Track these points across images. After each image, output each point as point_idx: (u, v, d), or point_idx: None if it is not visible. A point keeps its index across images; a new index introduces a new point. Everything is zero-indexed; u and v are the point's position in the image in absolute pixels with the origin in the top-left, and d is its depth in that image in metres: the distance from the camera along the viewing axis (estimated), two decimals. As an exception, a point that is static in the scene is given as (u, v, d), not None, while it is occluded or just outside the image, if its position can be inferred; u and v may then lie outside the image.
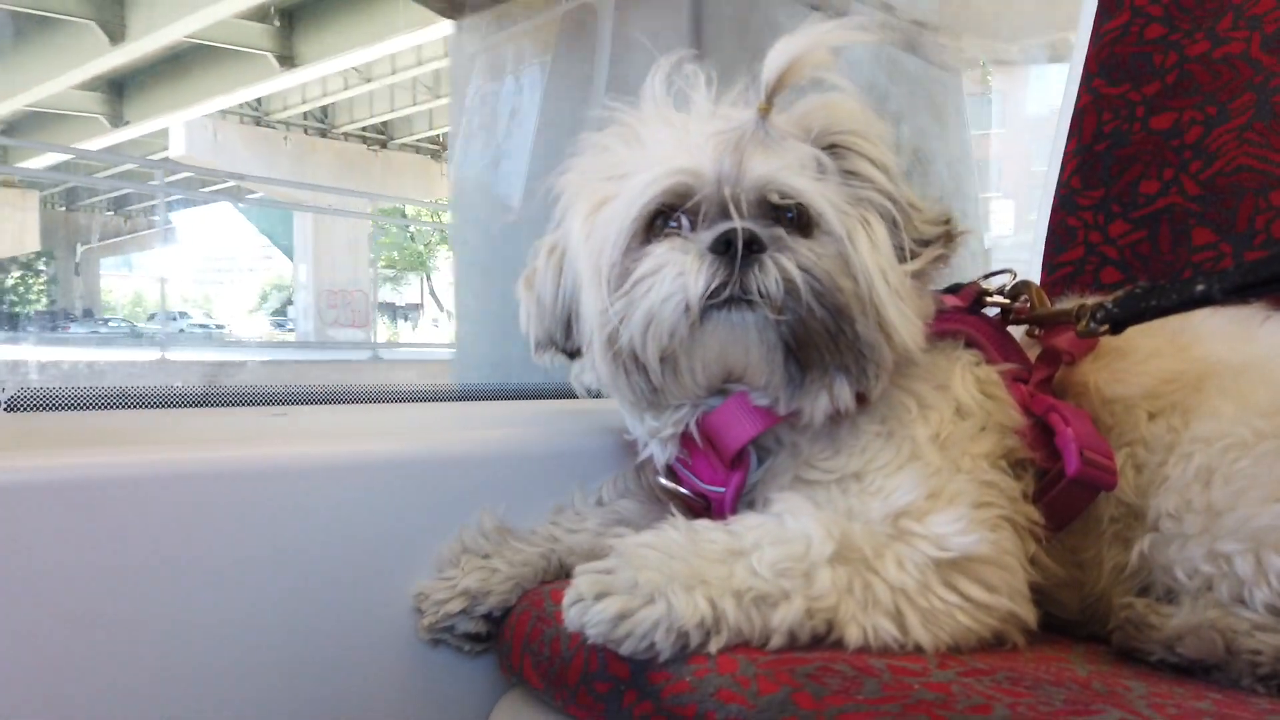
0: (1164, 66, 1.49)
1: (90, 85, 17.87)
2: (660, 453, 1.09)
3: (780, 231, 0.93)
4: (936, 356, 1.04)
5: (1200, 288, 0.92)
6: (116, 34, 14.95)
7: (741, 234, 0.90)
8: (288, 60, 16.43)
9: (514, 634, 1.04)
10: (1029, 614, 0.93)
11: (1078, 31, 1.64)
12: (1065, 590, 1.04)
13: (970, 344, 1.08)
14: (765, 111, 0.96)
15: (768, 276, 0.91)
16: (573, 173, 1.07)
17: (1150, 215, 1.46)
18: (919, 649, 0.87)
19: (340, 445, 1.11)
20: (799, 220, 0.95)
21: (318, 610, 1.07)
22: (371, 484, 1.10)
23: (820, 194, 0.94)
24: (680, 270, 0.93)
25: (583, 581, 0.88)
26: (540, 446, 1.23)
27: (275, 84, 17.81)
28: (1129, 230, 1.48)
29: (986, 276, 1.18)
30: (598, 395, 1.09)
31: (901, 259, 0.97)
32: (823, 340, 0.93)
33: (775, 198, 0.94)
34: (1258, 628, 0.89)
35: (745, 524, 0.92)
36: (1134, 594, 1.01)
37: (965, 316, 1.10)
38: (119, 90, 19.04)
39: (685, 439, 1.05)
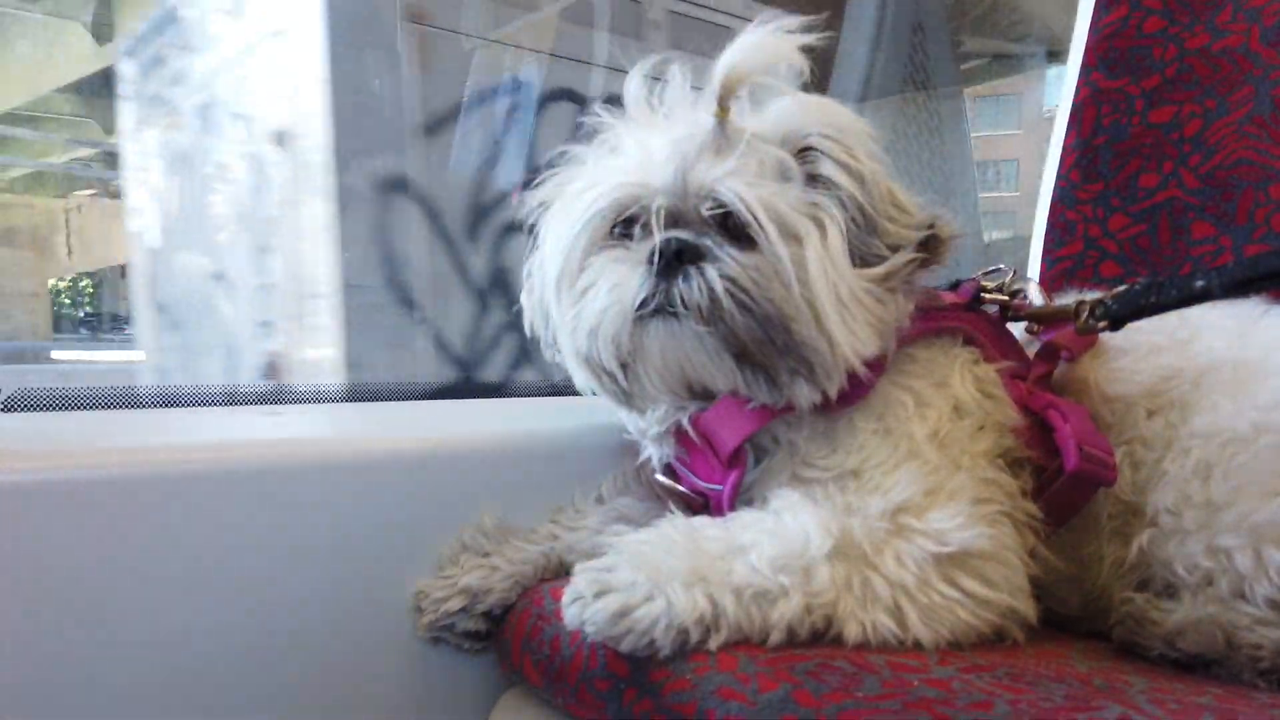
0: (1163, 60, 1.49)
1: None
2: (657, 451, 1.09)
3: (708, 242, 0.93)
4: (935, 354, 1.04)
5: (1200, 283, 0.92)
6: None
7: (667, 245, 0.92)
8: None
9: (514, 632, 1.04)
10: (1029, 609, 0.93)
11: (1075, 25, 1.64)
12: (1065, 586, 1.04)
13: (969, 341, 1.08)
14: (721, 116, 0.97)
15: (690, 288, 0.92)
16: (552, 184, 1.09)
17: (1150, 209, 1.46)
18: (919, 645, 0.87)
19: (337, 442, 1.10)
20: (733, 231, 0.95)
21: (317, 608, 1.06)
22: (370, 481, 1.09)
23: (758, 201, 0.92)
24: (615, 282, 0.96)
25: (582, 579, 0.88)
26: (540, 444, 1.23)
27: None
28: (1128, 224, 1.48)
29: (987, 273, 1.18)
30: (596, 392, 1.09)
31: (868, 263, 0.95)
32: (757, 348, 0.93)
33: (706, 207, 0.95)
34: (1258, 622, 0.89)
35: (743, 521, 0.92)
36: (1134, 589, 1.01)
37: (963, 313, 1.10)
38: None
39: (683, 437, 1.05)
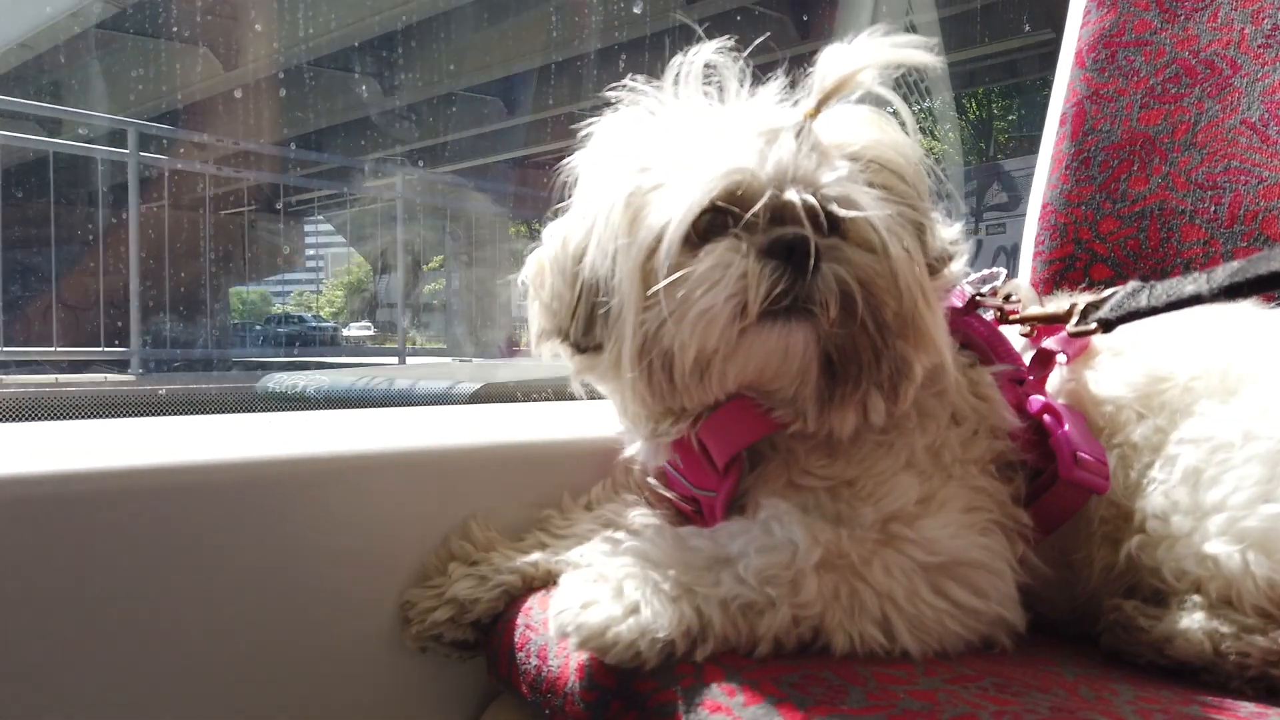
0: (1153, 62, 1.49)
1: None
2: (653, 456, 1.08)
3: (837, 241, 0.90)
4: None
5: (1190, 288, 0.92)
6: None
7: (801, 241, 0.88)
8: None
9: (502, 642, 1.03)
10: (1018, 618, 0.93)
11: (1066, 27, 1.63)
12: (1055, 591, 1.04)
13: (965, 346, 1.07)
14: (813, 116, 0.95)
15: (828, 286, 0.88)
16: (594, 157, 1.02)
17: (1140, 212, 1.46)
18: (906, 655, 0.87)
19: (326, 449, 1.10)
20: (839, 232, 0.92)
21: (304, 617, 1.06)
22: (357, 490, 1.09)
23: (874, 208, 0.91)
24: (741, 273, 0.89)
25: (569, 589, 0.88)
26: (529, 451, 1.23)
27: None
28: (1119, 227, 1.48)
29: (984, 279, 1.18)
30: (594, 396, 1.07)
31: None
32: (866, 355, 0.91)
33: (835, 208, 0.91)
34: (1245, 630, 0.89)
35: (730, 531, 0.92)
36: (1122, 595, 1.01)
37: (959, 318, 1.09)
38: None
39: (677, 443, 1.04)
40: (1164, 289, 0.96)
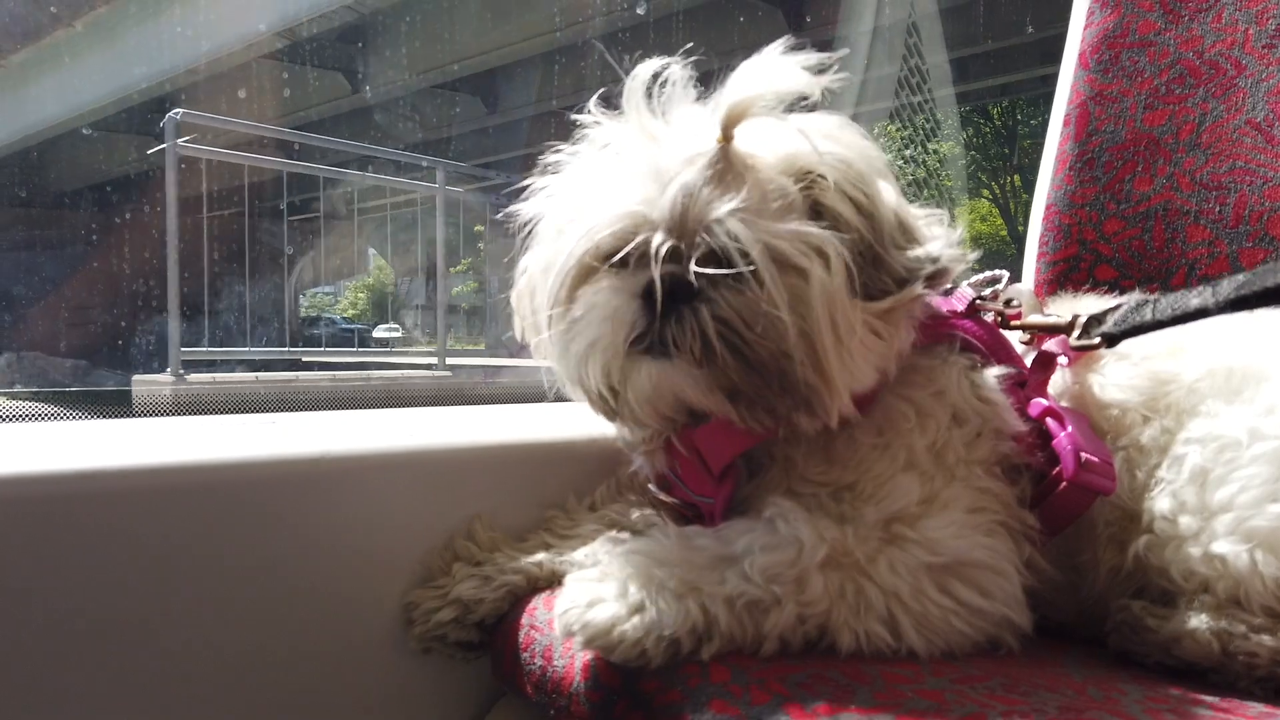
0: (1157, 63, 1.49)
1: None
2: (648, 463, 1.08)
3: (702, 282, 0.90)
4: (933, 362, 1.03)
5: (1195, 301, 0.91)
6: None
7: (661, 284, 0.89)
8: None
9: (506, 642, 1.03)
10: (1024, 619, 0.92)
11: (1069, 28, 1.63)
12: (1062, 593, 1.03)
13: (966, 348, 1.07)
14: (726, 144, 0.94)
15: (684, 330, 0.89)
16: (544, 195, 1.06)
17: (1144, 212, 1.46)
18: (912, 655, 0.87)
19: (330, 449, 1.10)
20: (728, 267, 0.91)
21: (308, 617, 1.06)
22: (362, 491, 1.09)
23: (755, 240, 0.89)
24: (606, 315, 0.93)
25: (574, 589, 0.88)
26: (533, 451, 1.23)
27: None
28: (1123, 227, 1.47)
29: (986, 281, 1.17)
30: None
31: (873, 297, 0.93)
32: (750, 388, 0.91)
33: (700, 249, 0.91)
34: (1254, 629, 0.88)
35: (736, 529, 0.92)
36: (1130, 596, 1.00)
37: (960, 321, 1.09)
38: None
39: (676, 449, 1.04)
40: (1168, 302, 0.95)
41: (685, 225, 0.92)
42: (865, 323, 0.93)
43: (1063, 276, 1.51)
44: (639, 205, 0.94)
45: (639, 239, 0.93)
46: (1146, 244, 1.45)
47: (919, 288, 0.94)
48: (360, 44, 16.42)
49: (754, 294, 0.89)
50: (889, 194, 0.96)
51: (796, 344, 0.89)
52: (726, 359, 0.89)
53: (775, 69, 0.94)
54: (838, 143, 0.96)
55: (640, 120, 0.99)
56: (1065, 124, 1.57)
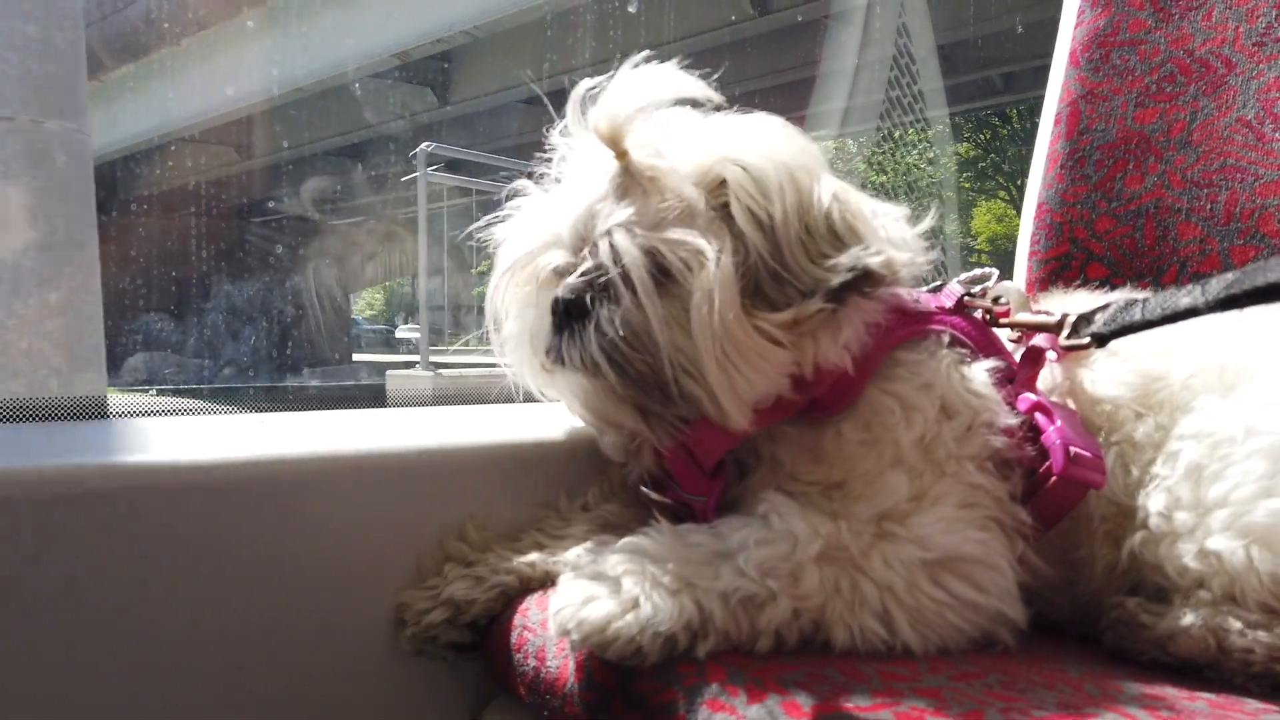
0: (1148, 61, 1.49)
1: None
2: (636, 465, 1.08)
3: (590, 298, 0.94)
4: (920, 356, 1.03)
5: (1185, 300, 0.91)
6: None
7: (556, 304, 0.96)
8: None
9: (499, 643, 1.02)
10: (1019, 614, 0.92)
11: (1060, 27, 1.63)
12: (1057, 590, 1.03)
13: (955, 343, 1.07)
14: (621, 159, 0.96)
15: (574, 346, 0.96)
16: (507, 224, 1.09)
17: (1136, 210, 1.46)
18: (907, 650, 0.86)
19: (320, 449, 1.08)
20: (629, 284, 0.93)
21: (300, 618, 1.05)
22: (353, 491, 1.08)
23: (634, 254, 0.91)
24: (524, 331, 1.04)
25: (568, 587, 0.87)
26: (525, 451, 1.22)
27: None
28: (1114, 225, 1.48)
29: (976, 279, 1.17)
30: None
31: (778, 307, 0.92)
32: (638, 400, 0.95)
33: (586, 262, 0.96)
34: (1250, 626, 0.88)
35: (730, 525, 0.91)
36: (1125, 593, 1.00)
37: (948, 317, 1.09)
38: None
39: (665, 449, 1.04)
40: (1157, 302, 0.95)
41: (582, 241, 0.97)
42: (762, 331, 0.92)
43: (1054, 275, 1.51)
44: (555, 224, 1.00)
45: (544, 257, 1.01)
46: (1138, 242, 1.45)
47: (817, 301, 0.91)
48: (446, 64, 17.58)
49: (636, 307, 0.92)
50: (815, 197, 0.94)
51: (672, 355, 0.92)
52: (609, 373, 0.94)
53: (640, 80, 0.96)
54: (760, 147, 0.96)
55: (578, 138, 1.02)
56: (1056, 122, 1.57)
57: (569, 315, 0.95)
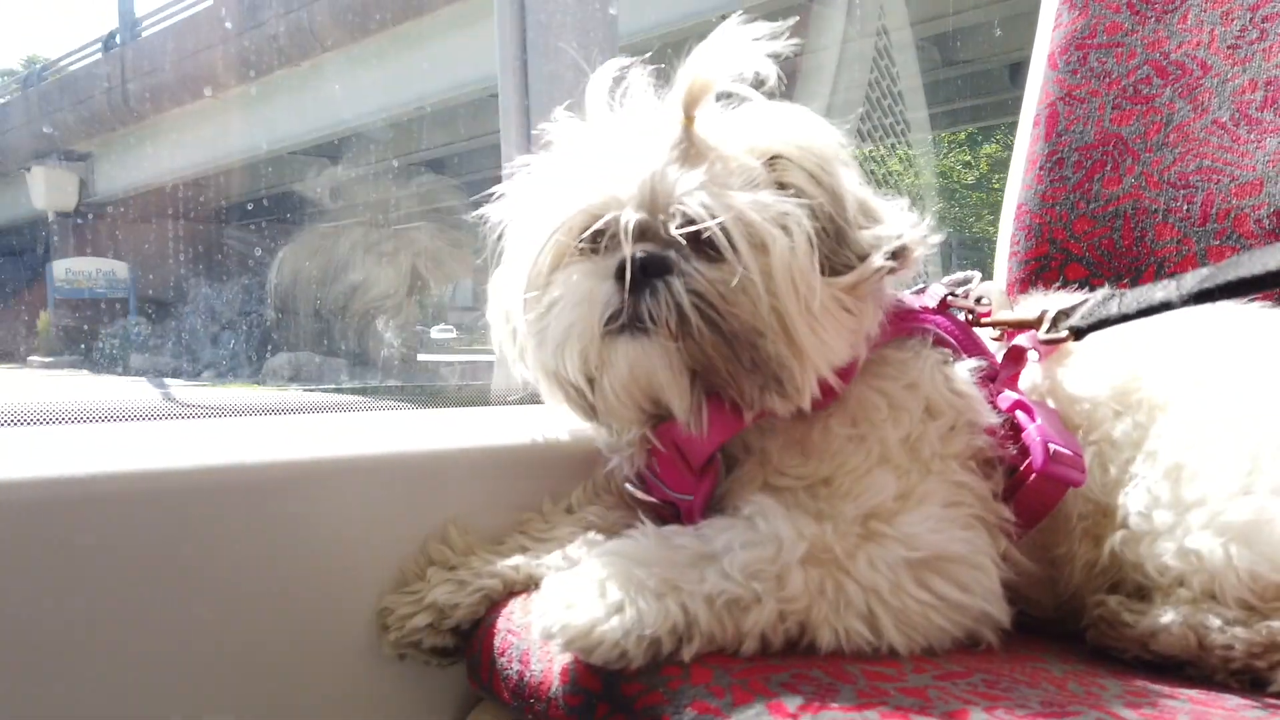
0: (1125, 64, 1.50)
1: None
2: (626, 462, 1.08)
3: (675, 256, 0.92)
4: (906, 355, 1.04)
5: (1160, 294, 0.92)
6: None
7: (633, 260, 0.90)
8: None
9: (483, 647, 1.01)
10: (1002, 613, 0.92)
11: (1038, 29, 1.65)
12: (1039, 588, 1.04)
13: (939, 343, 1.07)
14: (688, 124, 0.96)
15: (659, 303, 0.91)
16: (510, 199, 1.08)
17: (1114, 211, 1.47)
18: (893, 651, 0.86)
19: (302, 454, 1.08)
20: (701, 243, 0.93)
21: (282, 623, 1.04)
22: (334, 494, 1.07)
23: (726, 213, 0.91)
24: (582, 295, 0.94)
25: (552, 591, 0.87)
26: (508, 454, 1.21)
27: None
28: (1093, 226, 1.49)
29: (959, 281, 1.18)
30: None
31: (838, 272, 0.95)
32: (723, 364, 0.92)
33: (675, 220, 0.93)
34: (1229, 623, 0.89)
35: (715, 527, 0.91)
36: (1106, 591, 1.01)
37: (931, 316, 1.09)
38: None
39: (653, 447, 1.04)
40: (1134, 297, 0.96)
41: (655, 202, 0.94)
42: (833, 298, 0.94)
43: (1034, 275, 1.52)
44: (608, 186, 0.96)
45: (608, 216, 0.94)
46: (1116, 243, 1.46)
47: (879, 260, 0.95)
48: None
49: (727, 266, 0.91)
50: (848, 176, 0.99)
51: (768, 318, 0.91)
52: (702, 331, 0.91)
53: (731, 48, 0.95)
54: (797, 122, 0.99)
55: (603, 115, 1.02)
56: (1035, 124, 1.58)
57: (647, 273, 0.91)
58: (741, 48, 0.95)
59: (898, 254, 0.97)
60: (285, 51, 15.08)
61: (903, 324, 1.06)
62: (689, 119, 0.96)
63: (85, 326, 19.39)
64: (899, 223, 0.99)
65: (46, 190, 17.72)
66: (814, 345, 0.93)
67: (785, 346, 0.92)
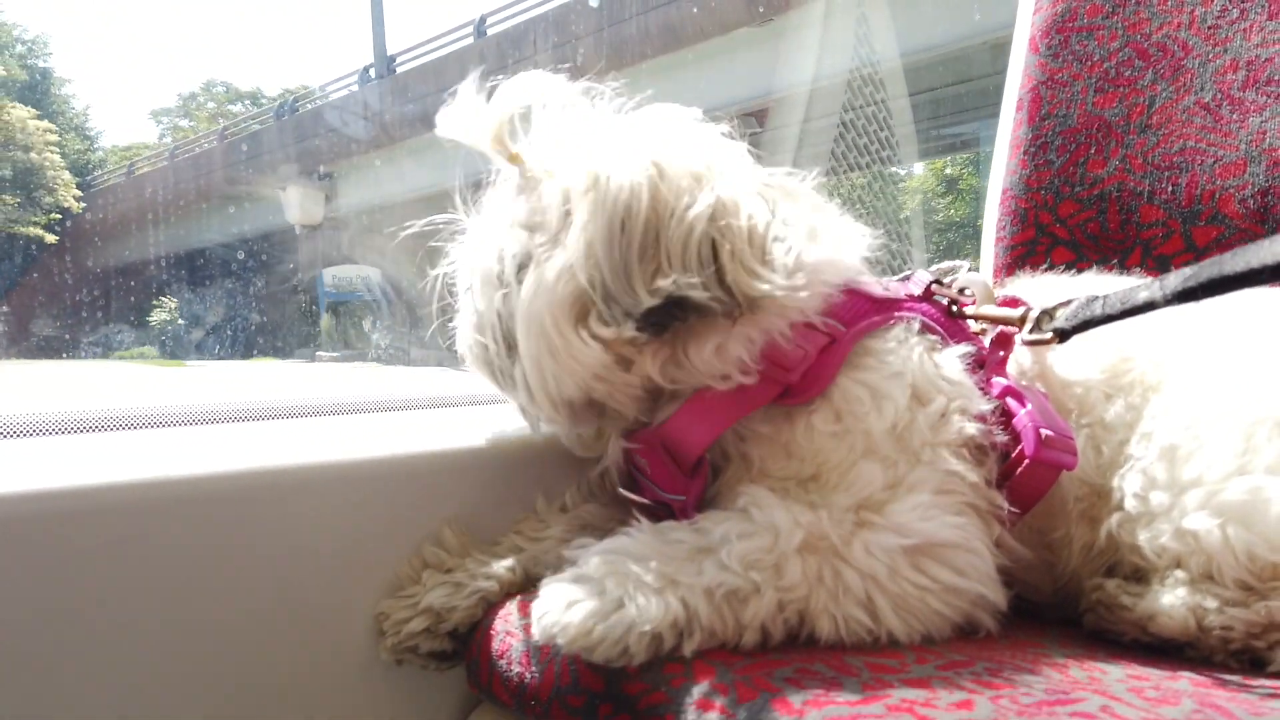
0: (1106, 46, 1.50)
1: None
2: (614, 466, 1.07)
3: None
4: (888, 344, 1.02)
5: (1143, 295, 0.91)
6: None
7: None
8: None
9: (481, 650, 1.00)
10: (999, 597, 0.92)
11: (1018, 13, 1.64)
12: (1036, 572, 1.04)
13: (925, 330, 1.07)
14: (516, 161, 1.01)
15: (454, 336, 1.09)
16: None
17: (1099, 194, 1.47)
18: (892, 638, 0.86)
19: (294, 459, 1.06)
20: None
21: (278, 630, 1.02)
22: (327, 498, 1.05)
23: (471, 253, 1.05)
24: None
25: (551, 590, 0.86)
26: (501, 454, 1.20)
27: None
28: (1078, 210, 1.49)
29: (944, 270, 1.17)
30: None
31: (603, 320, 0.93)
32: (492, 379, 1.07)
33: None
34: (1227, 603, 0.89)
35: (712, 519, 0.91)
36: (1103, 574, 1.01)
37: (916, 304, 1.09)
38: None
39: (644, 449, 1.03)
40: (1118, 297, 0.95)
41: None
42: (598, 338, 0.93)
43: (1020, 260, 1.53)
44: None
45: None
46: (1102, 225, 1.46)
47: (629, 328, 0.91)
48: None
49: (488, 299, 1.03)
50: (681, 212, 0.92)
51: (509, 343, 1.01)
52: (463, 355, 1.09)
53: (525, 86, 0.99)
54: (640, 150, 0.95)
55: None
56: (1018, 109, 1.58)
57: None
58: (537, 83, 1.00)
59: (686, 305, 0.91)
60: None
61: (886, 312, 1.05)
62: (516, 156, 1.00)
63: (351, 325, 22.97)
64: (752, 269, 0.92)
65: (300, 207, 19.89)
66: (535, 377, 0.98)
67: (520, 373, 1.00)
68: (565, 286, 0.93)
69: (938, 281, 1.13)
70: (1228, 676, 0.84)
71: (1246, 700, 0.75)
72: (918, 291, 1.11)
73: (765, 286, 0.91)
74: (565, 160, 0.98)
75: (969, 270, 1.18)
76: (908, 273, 1.18)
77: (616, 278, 0.91)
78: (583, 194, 0.94)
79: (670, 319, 0.92)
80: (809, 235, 0.99)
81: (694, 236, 0.91)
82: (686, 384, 0.98)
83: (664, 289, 0.90)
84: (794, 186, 1.03)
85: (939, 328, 1.07)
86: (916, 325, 1.05)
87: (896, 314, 1.05)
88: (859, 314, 1.02)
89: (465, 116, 0.99)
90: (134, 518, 0.94)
